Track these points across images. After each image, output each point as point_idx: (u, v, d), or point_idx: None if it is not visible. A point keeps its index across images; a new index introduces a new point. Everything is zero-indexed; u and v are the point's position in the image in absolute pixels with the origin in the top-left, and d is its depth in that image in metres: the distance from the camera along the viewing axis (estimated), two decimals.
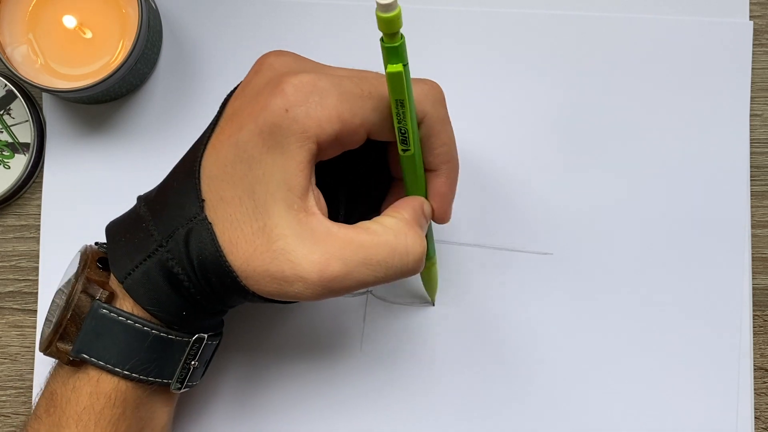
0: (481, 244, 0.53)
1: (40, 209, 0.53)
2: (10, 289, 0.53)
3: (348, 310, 0.53)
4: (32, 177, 0.53)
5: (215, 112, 0.44)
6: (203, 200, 0.41)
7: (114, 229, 0.44)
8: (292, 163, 0.40)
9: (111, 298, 0.43)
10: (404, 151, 0.42)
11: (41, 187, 0.53)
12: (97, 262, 0.44)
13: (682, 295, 0.52)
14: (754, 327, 0.53)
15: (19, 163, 0.52)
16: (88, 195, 0.53)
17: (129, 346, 0.42)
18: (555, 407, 0.52)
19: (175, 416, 0.50)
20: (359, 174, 0.47)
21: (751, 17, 0.54)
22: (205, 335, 0.44)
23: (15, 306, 0.53)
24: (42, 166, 0.53)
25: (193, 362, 0.44)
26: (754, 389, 0.53)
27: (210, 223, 0.41)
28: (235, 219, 0.41)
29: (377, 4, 0.35)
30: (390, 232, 0.41)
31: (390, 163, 0.46)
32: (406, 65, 0.38)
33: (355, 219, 0.43)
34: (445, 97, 0.43)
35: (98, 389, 0.43)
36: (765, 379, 0.53)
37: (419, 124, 0.42)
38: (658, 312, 0.52)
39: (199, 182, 0.42)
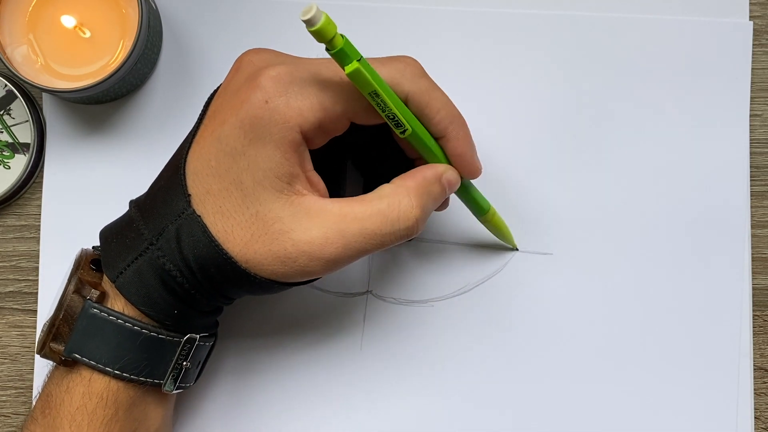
0: (480, 243, 0.53)
1: (40, 209, 0.53)
2: (10, 289, 0.53)
3: (348, 310, 0.53)
4: (32, 177, 0.53)
5: None
6: (189, 195, 0.42)
7: (107, 232, 0.45)
8: (277, 153, 0.40)
9: (103, 298, 0.43)
10: (402, 133, 0.42)
11: (41, 187, 0.53)
12: (90, 264, 0.44)
13: (682, 295, 0.52)
14: (754, 327, 0.53)
15: (19, 163, 0.52)
16: (88, 195, 0.53)
17: (120, 346, 0.42)
18: (555, 407, 0.52)
19: (175, 417, 0.50)
20: (372, 158, 0.48)
21: (751, 17, 0.54)
22: (197, 335, 0.44)
23: (15, 306, 0.53)
24: (42, 166, 0.53)
25: (185, 363, 0.44)
26: (754, 389, 0.52)
27: (199, 216, 0.41)
28: (225, 210, 0.41)
29: (302, 21, 0.36)
30: (384, 200, 0.42)
31: (401, 146, 0.47)
32: (360, 59, 0.39)
33: None
34: (424, 68, 0.43)
35: (90, 389, 0.43)
36: (765, 379, 0.53)
37: (406, 102, 0.42)
38: (658, 312, 0.52)
39: (185, 178, 0.42)
